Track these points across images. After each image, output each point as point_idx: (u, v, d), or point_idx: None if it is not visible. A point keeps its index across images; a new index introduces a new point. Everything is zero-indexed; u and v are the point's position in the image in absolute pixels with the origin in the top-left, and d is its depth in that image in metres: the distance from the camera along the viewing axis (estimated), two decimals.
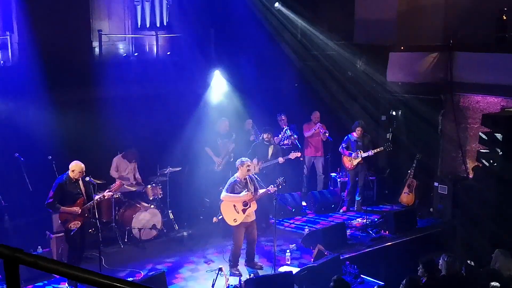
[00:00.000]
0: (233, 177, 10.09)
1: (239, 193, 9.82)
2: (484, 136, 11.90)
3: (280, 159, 12.18)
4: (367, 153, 13.14)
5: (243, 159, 10.10)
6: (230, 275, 9.77)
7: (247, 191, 9.88)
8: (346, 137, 13.47)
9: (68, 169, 9.45)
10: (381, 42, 14.41)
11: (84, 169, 9.41)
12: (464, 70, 13.29)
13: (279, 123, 13.90)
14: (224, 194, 9.89)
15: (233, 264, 10.07)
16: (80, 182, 9.49)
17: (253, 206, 9.91)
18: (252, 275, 9.85)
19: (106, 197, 10.11)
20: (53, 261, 2.24)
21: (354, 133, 13.33)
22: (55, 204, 9.35)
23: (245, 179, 9.96)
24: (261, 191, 10.03)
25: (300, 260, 10.76)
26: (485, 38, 13.30)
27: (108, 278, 2.11)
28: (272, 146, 12.45)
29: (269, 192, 9.95)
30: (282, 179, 10.13)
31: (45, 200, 9.41)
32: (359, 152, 13.18)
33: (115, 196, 11.04)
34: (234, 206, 9.82)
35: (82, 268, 2.16)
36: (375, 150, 13.21)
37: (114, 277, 2.10)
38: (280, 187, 10.12)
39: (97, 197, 9.70)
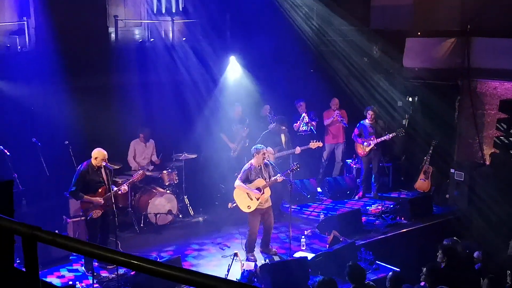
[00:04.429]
0: (247, 164, 10.08)
1: (253, 180, 9.82)
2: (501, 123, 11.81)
3: (298, 149, 12.03)
4: (382, 138, 13.02)
5: (259, 146, 10.08)
6: (246, 260, 9.77)
7: (261, 177, 9.88)
8: (359, 123, 13.36)
9: (86, 155, 9.40)
10: (398, 28, 14.31)
11: (106, 156, 9.27)
12: (481, 55, 13.17)
13: (298, 109, 13.80)
14: (237, 182, 9.88)
15: (249, 249, 10.08)
16: (103, 170, 9.32)
17: (267, 193, 9.88)
18: (267, 260, 9.89)
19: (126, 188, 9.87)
20: (72, 239, 2.25)
21: (366, 119, 13.25)
22: (78, 193, 9.26)
23: (260, 166, 9.95)
24: (272, 178, 10.00)
25: (315, 246, 10.78)
26: (503, 23, 13.14)
27: (125, 255, 2.11)
28: (283, 134, 12.31)
29: (277, 181, 9.95)
30: (296, 164, 10.13)
31: (68, 188, 9.37)
32: (372, 139, 13.08)
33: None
34: (248, 193, 9.83)
35: (100, 246, 2.16)
36: (390, 135, 13.10)
37: (131, 255, 2.11)
38: (293, 172, 10.13)
39: (122, 187, 9.57)
